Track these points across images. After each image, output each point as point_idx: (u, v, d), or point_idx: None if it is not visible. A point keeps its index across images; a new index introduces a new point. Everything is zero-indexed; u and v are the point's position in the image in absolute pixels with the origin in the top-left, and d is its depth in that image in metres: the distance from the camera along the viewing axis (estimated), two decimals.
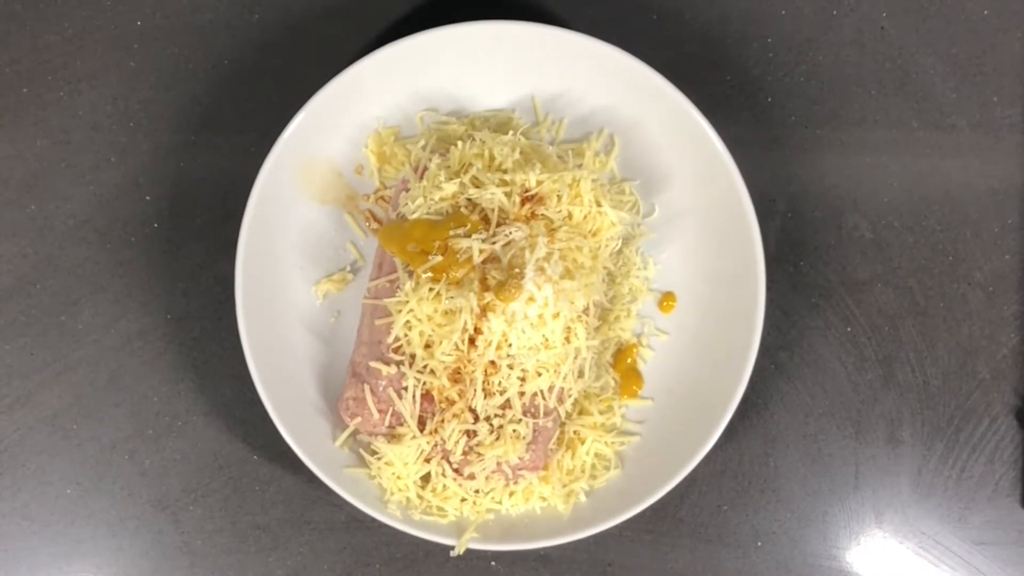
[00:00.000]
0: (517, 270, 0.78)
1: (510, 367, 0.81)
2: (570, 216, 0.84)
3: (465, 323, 0.79)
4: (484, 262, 0.80)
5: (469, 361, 0.81)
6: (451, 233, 0.81)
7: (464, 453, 0.83)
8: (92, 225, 0.94)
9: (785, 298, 0.94)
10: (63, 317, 0.93)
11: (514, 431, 0.82)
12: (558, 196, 0.83)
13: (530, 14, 0.93)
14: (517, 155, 0.84)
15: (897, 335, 0.95)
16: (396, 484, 0.85)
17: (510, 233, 0.80)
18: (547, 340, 0.80)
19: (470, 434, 0.83)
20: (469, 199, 0.83)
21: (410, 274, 0.82)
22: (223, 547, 0.92)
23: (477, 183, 0.83)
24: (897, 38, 0.96)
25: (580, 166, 0.87)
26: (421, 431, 0.84)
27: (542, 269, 0.78)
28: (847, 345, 0.94)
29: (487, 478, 0.84)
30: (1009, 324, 0.95)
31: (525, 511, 0.88)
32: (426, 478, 0.86)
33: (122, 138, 0.94)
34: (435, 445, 0.84)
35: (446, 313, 0.80)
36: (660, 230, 0.92)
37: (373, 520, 0.85)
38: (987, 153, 0.96)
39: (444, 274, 0.80)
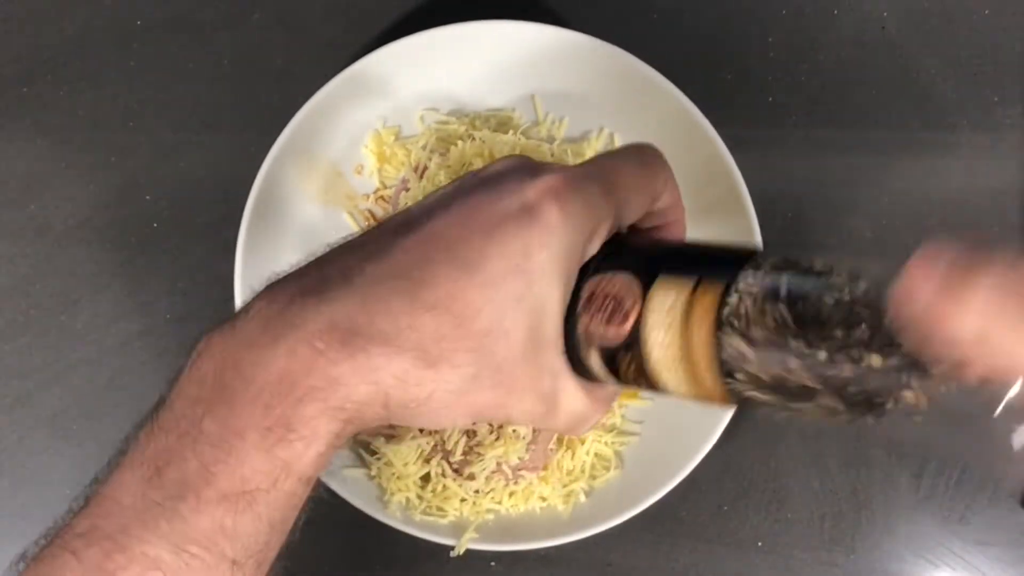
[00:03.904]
0: None
1: None
2: None
3: None
4: None
5: None
6: None
7: (464, 453, 0.83)
8: (92, 225, 0.94)
9: None
10: (63, 317, 0.93)
11: (514, 431, 0.82)
12: None
13: (530, 14, 0.93)
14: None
15: None
16: (396, 484, 0.85)
17: None
18: None
19: (470, 434, 0.83)
20: None
21: None
22: None
23: None
24: (897, 38, 0.96)
25: None
26: (421, 431, 0.83)
27: None
28: None
29: (487, 478, 0.84)
30: None
31: (525, 511, 0.88)
32: (426, 478, 0.86)
33: (122, 138, 0.94)
34: (435, 445, 0.84)
35: None
36: None
37: (373, 520, 0.85)
38: (987, 153, 0.96)
39: None
